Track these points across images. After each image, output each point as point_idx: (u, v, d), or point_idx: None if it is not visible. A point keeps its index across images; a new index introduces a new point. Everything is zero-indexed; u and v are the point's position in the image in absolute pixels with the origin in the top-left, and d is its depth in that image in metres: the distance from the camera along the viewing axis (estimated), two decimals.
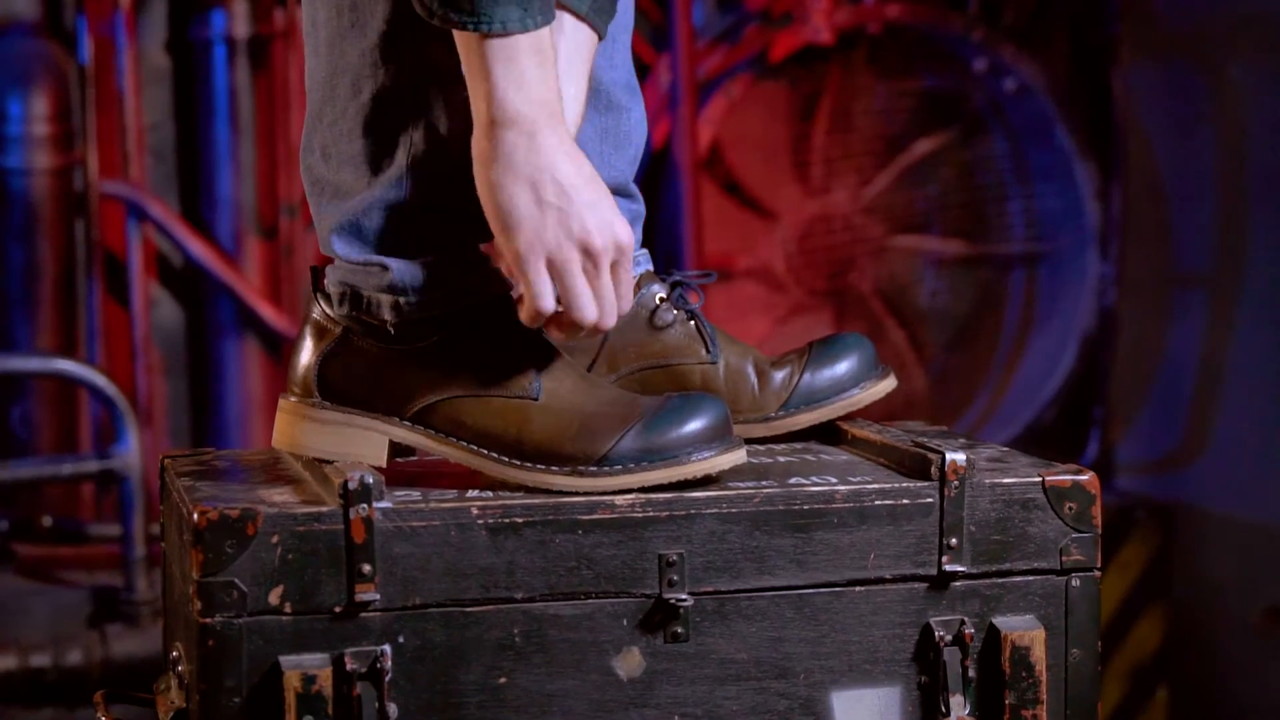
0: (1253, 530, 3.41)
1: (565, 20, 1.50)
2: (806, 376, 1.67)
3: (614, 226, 1.42)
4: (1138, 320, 3.68)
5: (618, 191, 1.68)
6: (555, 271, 1.41)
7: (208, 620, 1.37)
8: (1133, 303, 3.68)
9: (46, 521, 3.09)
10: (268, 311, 3.31)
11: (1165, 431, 3.61)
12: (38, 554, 3.05)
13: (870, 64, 3.65)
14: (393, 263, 1.47)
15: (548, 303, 1.41)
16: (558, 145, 1.40)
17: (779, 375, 1.67)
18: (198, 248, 3.31)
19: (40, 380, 3.17)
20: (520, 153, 1.39)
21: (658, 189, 3.41)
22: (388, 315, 1.48)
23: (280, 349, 3.31)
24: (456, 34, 1.38)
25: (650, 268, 1.71)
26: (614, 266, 1.43)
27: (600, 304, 1.43)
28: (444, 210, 1.48)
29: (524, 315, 1.44)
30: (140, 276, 3.31)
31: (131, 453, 2.84)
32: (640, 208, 1.73)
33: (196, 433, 3.38)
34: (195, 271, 3.35)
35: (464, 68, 1.39)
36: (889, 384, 1.70)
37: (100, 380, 2.86)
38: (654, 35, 3.46)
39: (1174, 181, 3.61)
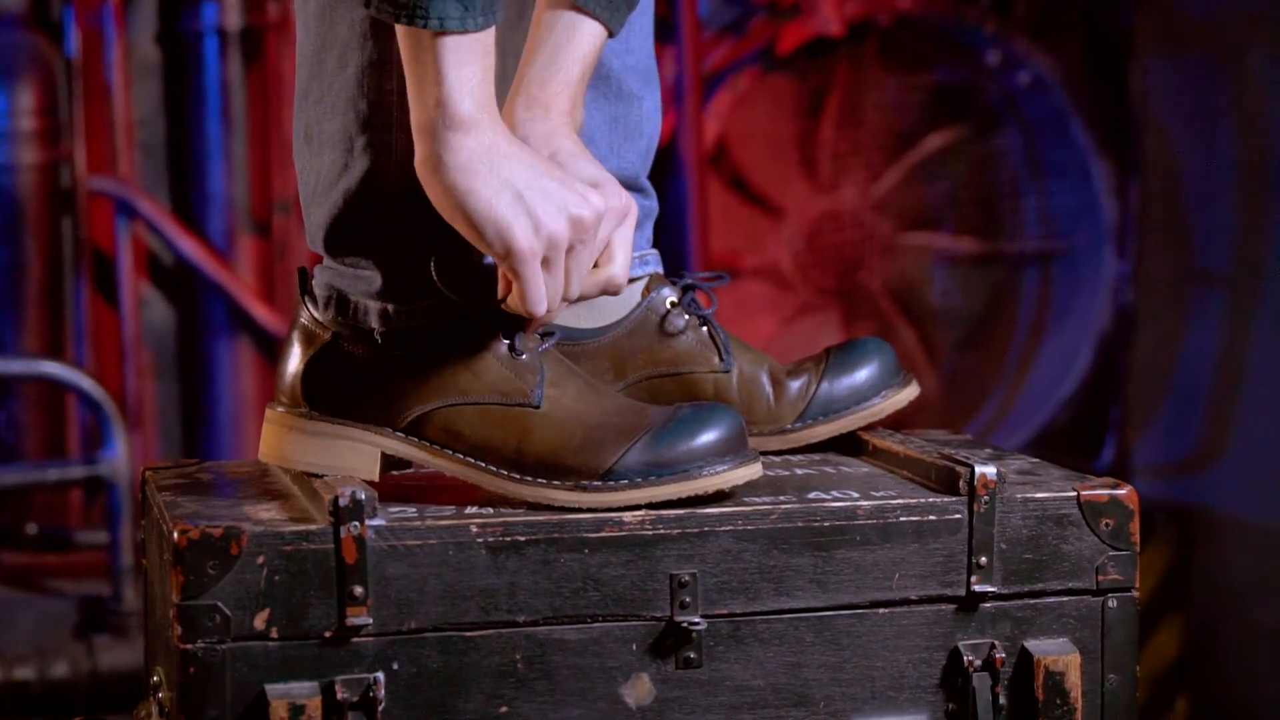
0: (1274, 535, 3.37)
1: (565, 16, 1.43)
2: (824, 385, 1.60)
3: (590, 198, 1.36)
4: (1155, 320, 3.64)
5: (628, 185, 1.61)
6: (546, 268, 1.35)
7: (188, 646, 1.30)
8: (1150, 302, 3.65)
9: (32, 529, 3.05)
10: (261, 311, 3.27)
11: (1184, 434, 3.57)
12: (23, 562, 3.02)
13: (880, 57, 3.62)
14: (382, 268, 1.40)
15: (544, 306, 1.36)
16: (509, 143, 1.34)
17: (795, 384, 1.60)
18: (189, 246, 3.26)
19: (26, 383, 3.13)
20: (481, 154, 1.32)
21: (662, 185, 3.35)
22: (375, 323, 1.41)
23: (274, 350, 3.26)
24: (400, 30, 1.31)
25: (659, 269, 1.65)
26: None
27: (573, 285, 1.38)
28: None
29: (513, 307, 1.37)
30: (130, 276, 3.27)
31: (119, 458, 2.81)
32: (654, 204, 1.67)
33: (188, 436, 3.34)
34: (186, 270, 3.31)
35: (406, 66, 1.32)
36: (911, 391, 1.64)
37: (87, 383, 2.83)
38: (658, 27, 3.42)
39: (1192, 177, 3.57)
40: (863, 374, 1.61)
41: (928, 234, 3.73)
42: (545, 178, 1.34)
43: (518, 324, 1.41)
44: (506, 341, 1.41)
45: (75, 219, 3.21)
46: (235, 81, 3.27)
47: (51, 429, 3.23)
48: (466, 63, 1.30)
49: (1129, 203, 3.63)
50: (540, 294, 1.35)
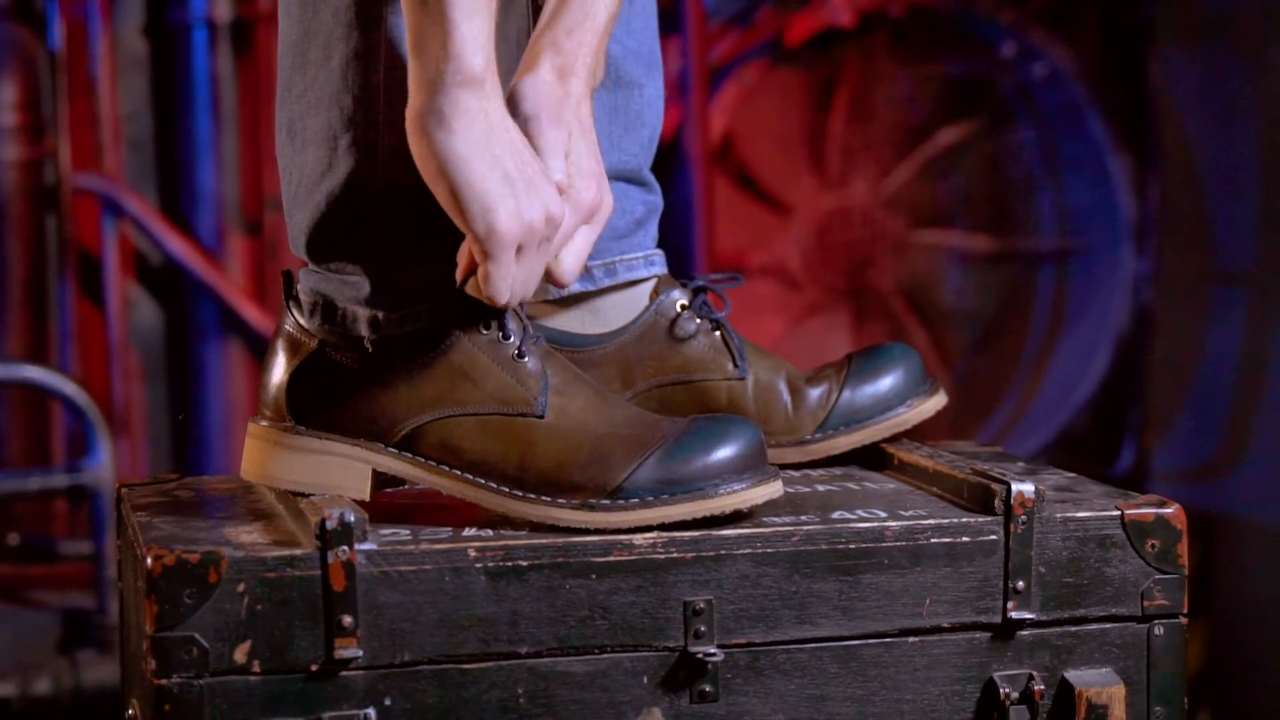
0: None
1: None
2: (846, 393, 1.52)
3: (554, 199, 1.28)
4: (1175, 320, 3.58)
5: (630, 179, 1.55)
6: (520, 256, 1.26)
7: (163, 682, 1.21)
8: (1170, 302, 3.58)
9: (14, 539, 2.97)
10: (252, 313, 3.20)
11: (1204, 437, 3.51)
12: (4, 573, 2.95)
13: (892, 49, 3.55)
14: (370, 272, 1.31)
15: (507, 296, 1.27)
16: (504, 116, 1.25)
17: (815, 392, 1.52)
18: (177, 245, 3.18)
19: (8, 388, 3.06)
20: (482, 121, 1.23)
21: (667, 182, 3.27)
22: (364, 331, 1.32)
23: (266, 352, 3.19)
24: None
25: (665, 270, 1.56)
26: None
27: (529, 279, 1.29)
28: (427, 200, 1.31)
29: (472, 292, 1.28)
30: (116, 276, 3.18)
31: (103, 466, 2.74)
32: (657, 199, 1.59)
33: (176, 441, 3.27)
34: (175, 270, 3.22)
35: (410, 17, 1.22)
36: (939, 400, 1.55)
37: (70, 389, 2.76)
38: (662, 18, 3.36)
39: (1213, 173, 3.51)
40: (887, 381, 1.53)
41: (940, 231, 3.66)
42: (530, 164, 1.26)
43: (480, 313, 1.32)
44: (510, 344, 1.33)
45: (59, 217, 3.13)
46: (225, 75, 3.19)
47: (35, 436, 3.16)
48: (478, 13, 1.21)
49: (1148, 199, 3.57)
50: (508, 283, 1.26)
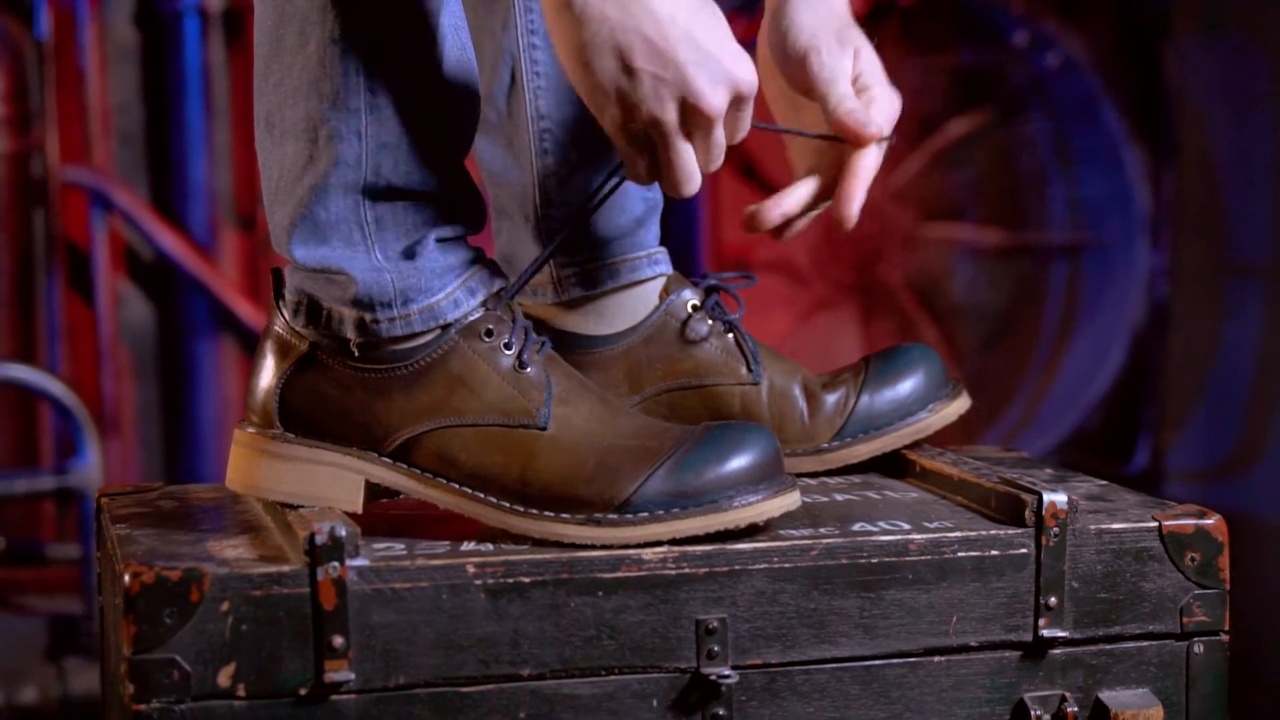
0: None
1: None
2: (864, 399, 1.45)
3: (734, 75, 1.19)
4: (1191, 315, 3.53)
5: None
6: (650, 144, 1.20)
7: (142, 707, 1.15)
8: (1186, 296, 3.53)
9: (0, 543, 2.92)
10: (245, 309, 3.16)
11: (1221, 435, 3.46)
12: None
13: (901, 38, 3.50)
14: (357, 272, 1.24)
15: (644, 179, 1.23)
16: None
17: (831, 398, 1.45)
18: (169, 240, 3.14)
19: None
20: (605, 7, 1.15)
21: None
22: (352, 334, 1.25)
23: None
24: None
25: (670, 268, 1.49)
26: (735, 107, 1.23)
27: (708, 161, 1.25)
28: (415, 193, 1.24)
29: (639, 179, 1.24)
30: (106, 272, 3.14)
31: (92, 468, 2.69)
32: (657, 196, 1.53)
33: (168, 441, 3.22)
34: (166, 266, 3.18)
35: None
36: (962, 404, 1.49)
37: (57, 388, 2.71)
38: None
39: (1231, 165, 3.46)
40: (906, 385, 1.47)
41: (950, 225, 3.61)
42: (680, 45, 1.17)
43: None
44: (510, 351, 1.26)
45: (47, 211, 3.08)
46: (217, 65, 3.14)
47: (22, 436, 3.11)
48: None
49: (1163, 192, 3.52)
50: (693, 167, 1.23)
